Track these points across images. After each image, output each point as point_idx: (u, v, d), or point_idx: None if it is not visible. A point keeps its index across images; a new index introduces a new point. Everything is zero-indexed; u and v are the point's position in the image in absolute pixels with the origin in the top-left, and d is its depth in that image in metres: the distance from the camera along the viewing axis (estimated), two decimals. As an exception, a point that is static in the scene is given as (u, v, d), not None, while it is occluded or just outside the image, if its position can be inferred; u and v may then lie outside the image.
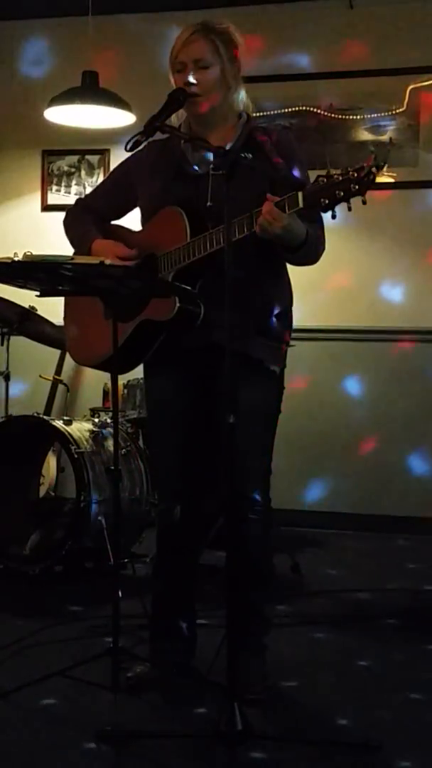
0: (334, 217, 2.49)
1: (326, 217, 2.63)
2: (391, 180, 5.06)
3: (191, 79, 2.76)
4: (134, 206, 3.01)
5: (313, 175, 2.60)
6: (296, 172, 2.76)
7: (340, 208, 2.48)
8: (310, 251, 2.75)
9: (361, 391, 5.36)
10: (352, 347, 5.38)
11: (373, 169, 2.41)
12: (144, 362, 2.96)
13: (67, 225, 3.09)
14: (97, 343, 2.94)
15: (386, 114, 5.28)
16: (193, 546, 3.05)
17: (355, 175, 2.43)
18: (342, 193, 2.44)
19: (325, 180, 2.47)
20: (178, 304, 2.71)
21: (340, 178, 2.45)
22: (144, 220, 2.96)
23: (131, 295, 2.80)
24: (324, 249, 2.83)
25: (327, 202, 2.47)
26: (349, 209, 2.47)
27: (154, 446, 3.18)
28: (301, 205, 2.53)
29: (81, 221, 3.05)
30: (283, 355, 2.92)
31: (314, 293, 5.19)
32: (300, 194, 2.53)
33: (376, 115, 5.29)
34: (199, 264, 2.72)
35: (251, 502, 2.83)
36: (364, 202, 2.45)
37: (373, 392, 5.35)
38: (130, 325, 2.86)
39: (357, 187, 2.43)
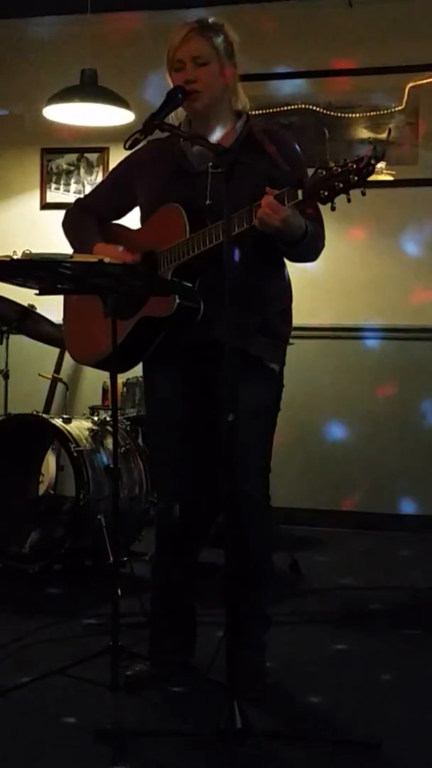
0: (333, 209, 2.48)
1: (325, 213, 2.62)
2: (390, 178, 5.06)
3: (190, 76, 2.76)
4: (134, 205, 3.00)
5: (311, 172, 2.60)
6: (295, 171, 2.76)
7: (341, 204, 2.47)
8: (309, 247, 2.74)
9: (361, 389, 5.36)
10: (352, 345, 5.37)
11: (372, 161, 2.40)
12: (143, 360, 2.96)
13: (67, 227, 3.08)
14: (97, 341, 2.94)
15: (385, 112, 5.27)
16: (193, 544, 3.05)
17: (354, 166, 2.42)
18: (341, 185, 2.43)
19: (324, 172, 2.47)
20: (177, 301, 2.71)
21: (339, 170, 2.44)
22: (143, 218, 2.95)
23: (130, 292, 2.80)
24: (324, 246, 2.82)
25: (326, 194, 2.46)
26: (348, 201, 2.46)
27: (153, 445, 3.18)
28: (300, 197, 2.53)
29: (81, 223, 3.04)
30: (282, 354, 2.92)
31: (312, 291, 5.19)
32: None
33: (375, 113, 5.29)
34: (198, 261, 2.72)
35: (251, 500, 2.82)
36: (363, 194, 2.44)
37: (373, 389, 5.35)
38: (129, 323, 2.85)
39: (356, 178, 2.42)
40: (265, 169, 2.71)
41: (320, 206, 2.74)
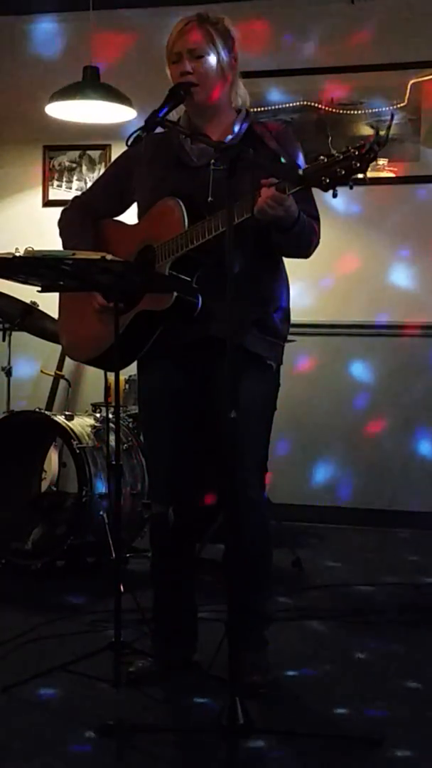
0: (335, 195, 2.41)
1: (327, 211, 2.61)
2: (392, 175, 5.06)
3: (187, 68, 2.76)
4: (133, 200, 2.99)
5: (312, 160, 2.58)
6: (300, 165, 2.75)
7: (343, 201, 2.45)
8: (302, 235, 2.71)
9: (362, 385, 5.36)
10: (354, 341, 5.37)
11: (375, 146, 2.37)
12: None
13: (60, 229, 3.06)
14: (92, 338, 2.92)
15: (387, 108, 5.27)
16: (189, 543, 3.03)
17: (356, 152, 2.38)
18: (343, 171, 2.38)
19: (326, 159, 2.45)
20: (175, 294, 2.70)
21: (341, 156, 2.41)
22: (141, 213, 2.93)
23: (128, 288, 2.78)
24: (318, 242, 2.79)
25: (328, 180, 2.43)
26: (351, 188, 2.42)
27: (147, 443, 3.09)
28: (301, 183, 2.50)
29: (72, 229, 3.01)
30: (280, 352, 2.90)
31: (317, 288, 5.19)
32: (300, 171, 2.47)
33: (377, 109, 5.29)
34: (197, 254, 2.70)
35: (249, 497, 2.81)
36: (365, 180, 2.41)
37: (375, 386, 5.35)
38: (126, 318, 2.83)
39: (358, 164, 2.37)
40: (267, 163, 2.70)
41: (318, 206, 2.75)
